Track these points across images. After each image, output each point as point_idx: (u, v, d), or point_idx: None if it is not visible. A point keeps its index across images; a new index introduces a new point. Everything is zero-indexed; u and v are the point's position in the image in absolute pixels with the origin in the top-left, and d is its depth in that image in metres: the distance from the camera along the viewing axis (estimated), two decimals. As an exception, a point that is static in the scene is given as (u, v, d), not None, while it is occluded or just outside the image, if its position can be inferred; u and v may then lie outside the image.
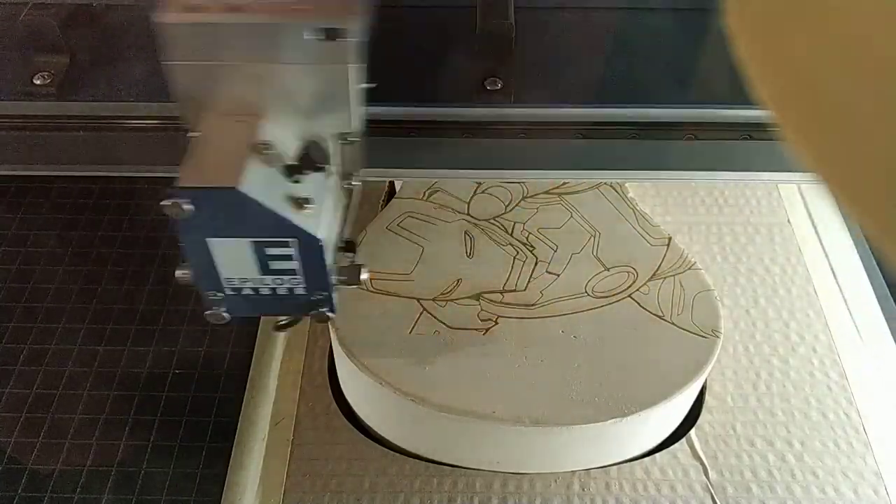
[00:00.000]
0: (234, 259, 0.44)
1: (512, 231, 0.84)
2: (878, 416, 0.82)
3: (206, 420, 0.83)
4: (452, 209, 0.86)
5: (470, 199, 0.87)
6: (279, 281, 0.46)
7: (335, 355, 0.81)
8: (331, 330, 0.76)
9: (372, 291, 0.77)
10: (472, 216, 0.85)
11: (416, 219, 0.84)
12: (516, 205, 0.86)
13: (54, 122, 0.57)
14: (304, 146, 0.45)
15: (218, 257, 0.44)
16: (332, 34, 0.42)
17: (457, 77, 0.58)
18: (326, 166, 0.46)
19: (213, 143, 0.43)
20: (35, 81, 0.57)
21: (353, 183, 0.50)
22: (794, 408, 0.83)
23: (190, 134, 0.44)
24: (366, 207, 0.90)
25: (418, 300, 0.77)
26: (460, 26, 0.61)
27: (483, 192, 0.88)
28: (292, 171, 0.43)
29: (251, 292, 0.46)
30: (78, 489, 0.78)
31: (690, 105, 0.56)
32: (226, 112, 0.44)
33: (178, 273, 0.45)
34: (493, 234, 0.83)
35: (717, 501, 0.76)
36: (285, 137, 0.44)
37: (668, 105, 0.56)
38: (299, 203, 0.42)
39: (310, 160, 0.44)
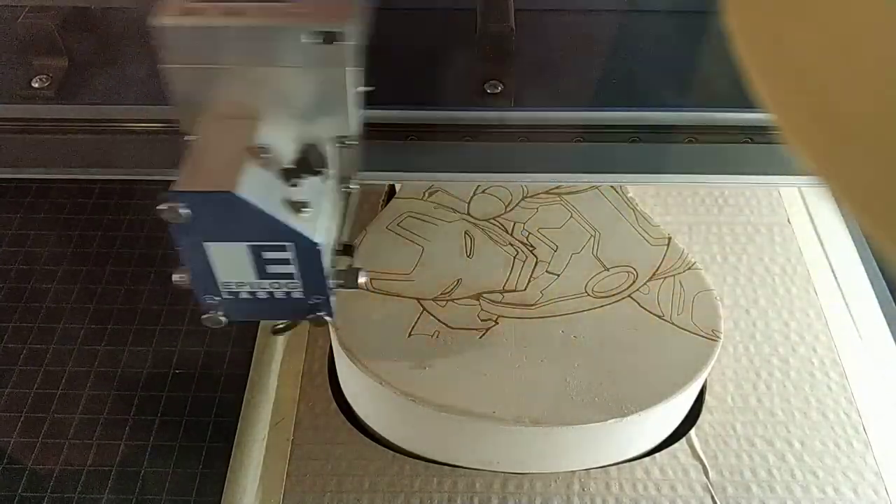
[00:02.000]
0: (231, 263, 0.44)
1: (512, 231, 0.84)
2: (878, 416, 0.82)
3: (206, 420, 0.83)
4: (452, 209, 0.86)
5: (470, 199, 0.87)
6: (276, 285, 0.45)
7: (335, 356, 0.81)
8: (331, 330, 0.75)
9: (372, 292, 0.77)
10: (472, 216, 0.85)
11: (416, 219, 0.84)
12: (516, 205, 0.86)
13: (53, 125, 0.57)
14: (302, 150, 0.45)
15: (215, 261, 0.44)
16: (329, 37, 0.42)
17: (457, 80, 0.58)
18: (324, 170, 0.46)
19: (210, 147, 0.43)
20: (33, 84, 0.57)
21: (351, 186, 0.50)
22: (794, 408, 0.83)
23: (187, 137, 0.44)
24: (366, 207, 0.90)
25: (418, 300, 0.77)
26: (460, 29, 0.61)
27: (483, 192, 0.87)
28: (290, 175, 0.43)
29: (248, 296, 0.46)
30: (78, 489, 0.78)
31: (690, 108, 0.56)
32: (223, 115, 0.44)
33: (175, 277, 0.45)
34: (492, 234, 0.83)
35: (717, 501, 0.76)
36: (283, 141, 0.44)
37: (668, 108, 0.56)
38: (297, 207, 0.42)
39: (307, 164, 0.44)
